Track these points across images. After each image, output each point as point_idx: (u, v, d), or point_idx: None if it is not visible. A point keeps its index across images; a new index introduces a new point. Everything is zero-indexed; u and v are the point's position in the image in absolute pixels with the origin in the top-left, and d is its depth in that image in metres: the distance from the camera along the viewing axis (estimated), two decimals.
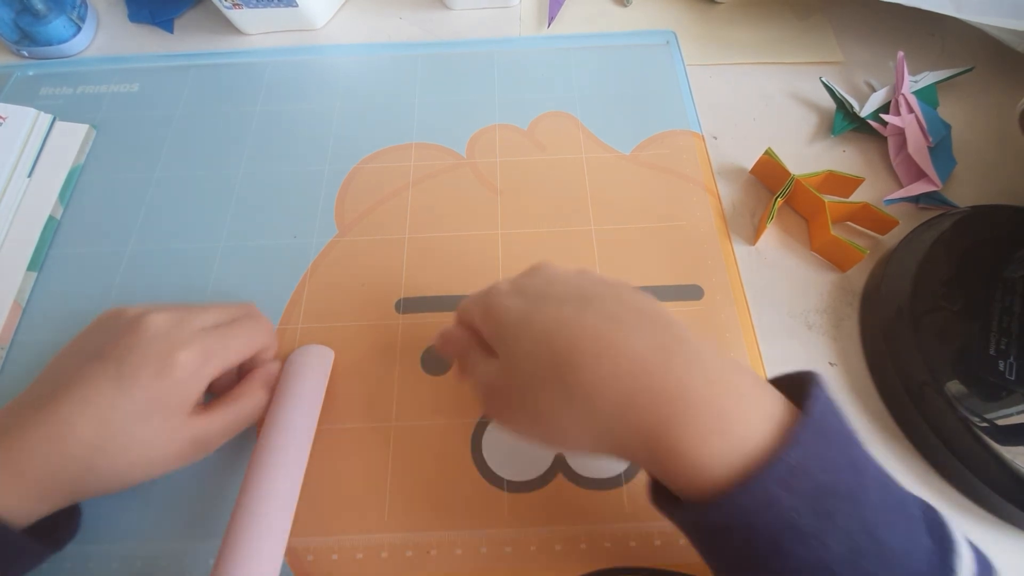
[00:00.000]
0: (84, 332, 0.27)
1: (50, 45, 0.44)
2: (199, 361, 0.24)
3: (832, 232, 0.34)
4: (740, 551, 0.17)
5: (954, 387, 0.29)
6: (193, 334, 0.25)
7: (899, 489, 0.18)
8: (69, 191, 0.38)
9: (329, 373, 0.31)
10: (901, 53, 0.40)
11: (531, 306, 0.21)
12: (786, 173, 0.36)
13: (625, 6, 0.48)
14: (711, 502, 0.17)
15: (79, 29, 0.45)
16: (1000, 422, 0.28)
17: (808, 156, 0.40)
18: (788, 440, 0.16)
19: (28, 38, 0.44)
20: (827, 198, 0.35)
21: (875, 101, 0.40)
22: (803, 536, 0.16)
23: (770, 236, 0.37)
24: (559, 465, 0.30)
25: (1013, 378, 0.29)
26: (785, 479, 0.16)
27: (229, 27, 0.46)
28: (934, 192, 0.37)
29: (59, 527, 0.25)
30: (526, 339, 0.21)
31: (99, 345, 0.25)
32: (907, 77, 0.40)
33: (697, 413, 0.17)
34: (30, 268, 0.35)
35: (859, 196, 0.37)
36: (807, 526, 0.16)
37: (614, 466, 0.29)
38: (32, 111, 0.40)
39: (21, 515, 0.22)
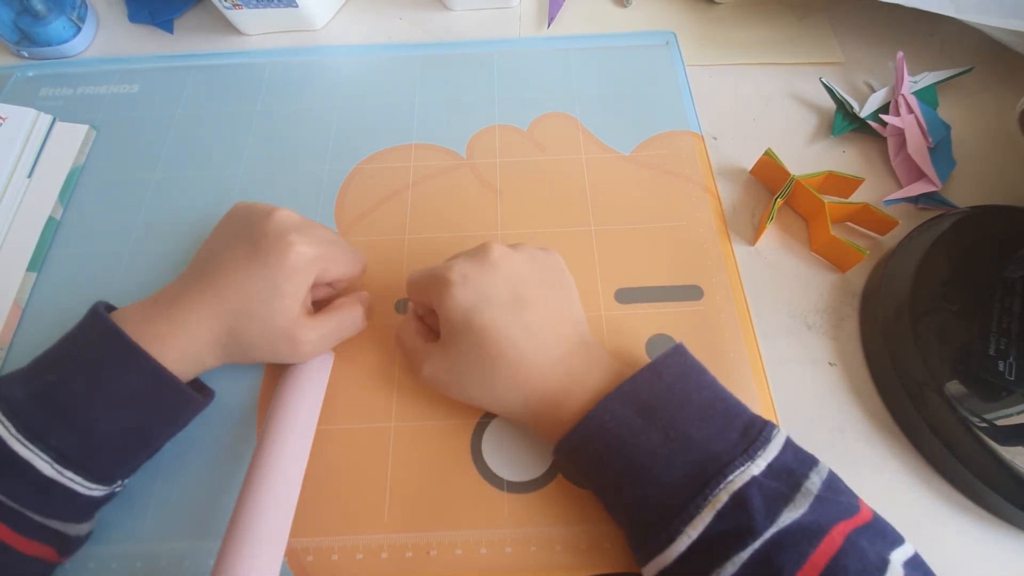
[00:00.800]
0: (221, 224, 0.30)
1: (50, 46, 0.44)
2: (311, 256, 0.28)
3: (832, 232, 0.34)
4: (600, 452, 0.25)
5: (953, 387, 0.29)
6: (312, 236, 0.29)
7: (726, 414, 0.25)
8: (69, 192, 0.38)
9: (329, 374, 0.31)
10: (901, 53, 0.40)
11: (476, 306, 0.27)
12: (786, 173, 0.36)
13: (625, 7, 0.48)
14: (577, 422, 0.25)
15: (79, 30, 0.45)
16: (999, 422, 0.28)
17: (808, 156, 0.40)
18: (625, 379, 0.25)
19: (28, 39, 0.44)
20: (827, 198, 0.35)
21: (875, 101, 0.40)
22: (633, 430, 0.24)
23: (770, 236, 0.37)
24: (559, 465, 0.30)
25: (1012, 378, 0.29)
26: (620, 398, 0.25)
27: (229, 27, 0.46)
28: (934, 192, 0.37)
29: (201, 389, 0.30)
30: (466, 339, 0.27)
31: (239, 230, 0.29)
32: (907, 77, 0.40)
33: (569, 397, 0.26)
34: (30, 268, 0.35)
35: (859, 196, 0.37)
36: (635, 425, 0.24)
37: None
38: (32, 112, 0.40)
39: (192, 369, 0.28)
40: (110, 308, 0.28)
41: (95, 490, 0.25)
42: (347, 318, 0.30)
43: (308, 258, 0.28)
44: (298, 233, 0.28)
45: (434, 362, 0.28)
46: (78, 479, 0.24)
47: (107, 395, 0.25)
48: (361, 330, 0.31)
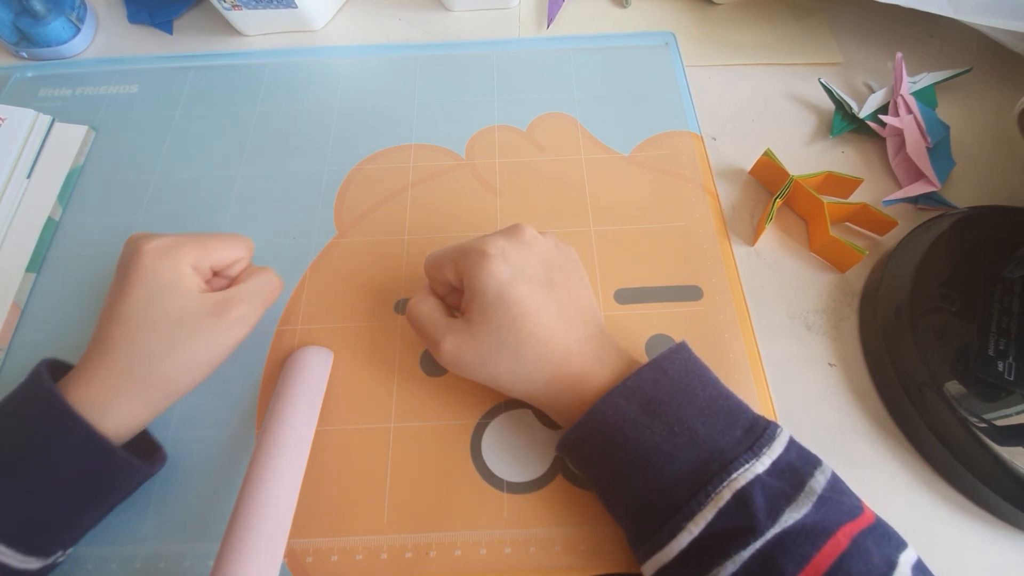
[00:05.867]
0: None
1: (49, 46, 0.44)
2: (166, 246, 0.27)
3: (831, 233, 0.34)
4: (603, 447, 0.25)
5: (953, 387, 0.29)
6: (170, 235, 0.28)
7: (730, 411, 0.25)
8: (68, 192, 0.38)
9: (328, 374, 0.31)
10: (899, 54, 0.40)
11: (512, 280, 0.26)
12: (785, 174, 0.36)
13: (624, 7, 0.48)
14: (580, 418, 0.25)
15: (78, 30, 0.45)
16: (999, 422, 0.28)
17: (807, 157, 0.40)
18: (629, 374, 0.25)
19: (27, 39, 0.44)
20: (826, 199, 0.35)
21: (874, 102, 0.40)
22: (637, 426, 0.24)
23: (769, 237, 0.37)
24: (559, 466, 0.30)
25: (1012, 378, 0.29)
26: (623, 394, 0.25)
27: (228, 28, 0.46)
28: (933, 193, 0.37)
29: (152, 454, 0.28)
30: (498, 313, 0.26)
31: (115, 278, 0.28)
32: (905, 78, 0.40)
33: (587, 380, 0.26)
34: (29, 269, 0.35)
35: (858, 197, 0.37)
36: (639, 420, 0.24)
37: None
38: (31, 112, 0.40)
39: (132, 425, 0.26)
40: (56, 364, 0.27)
41: (29, 562, 0.24)
42: (262, 278, 0.29)
43: (160, 248, 0.27)
44: (149, 238, 0.27)
45: (458, 338, 0.27)
46: (9, 551, 0.23)
47: (38, 462, 0.24)
48: (279, 291, 0.30)
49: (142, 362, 0.26)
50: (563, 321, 0.26)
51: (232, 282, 0.30)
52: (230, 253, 0.29)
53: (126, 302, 0.26)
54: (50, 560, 0.25)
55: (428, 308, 0.29)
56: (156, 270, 0.26)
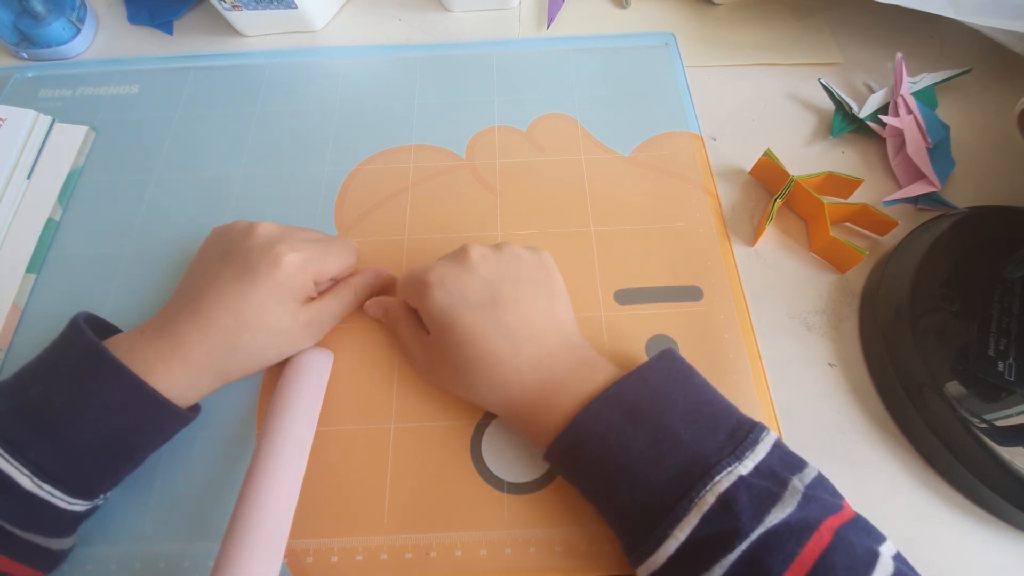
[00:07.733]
0: (204, 246, 0.31)
1: (49, 47, 0.44)
2: (302, 262, 0.29)
3: (831, 233, 0.34)
4: (588, 457, 0.25)
5: (953, 388, 0.29)
6: (298, 241, 0.30)
7: (712, 417, 0.25)
8: (68, 193, 0.38)
9: (328, 375, 0.31)
10: (900, 54, 0.40)
11: (453, 306, 0.27)
12: (785, 174, 0.36)
13: (624, 7, 0.48)
14: (564, 427, 0.25)
15: (78, 31, 0.45)
16: (999, 423, 0.28)
17: (807, 157, 0.40)
18: (610, 384, 0.25)
19: (27, 40, 0.44)
20: (826, 199, 0.35)
21: (874, 102, 0.40)
22: (620, 434, 0.24)
23: (769, 237, 0.37)
24: None
25: (1012, 379, 0.29)
26: (605, 403, 0.25)
27: (228, 29, 0.46)
28: (933, 193, 0.37)
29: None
30: (449, 339, 0.27)
31: (223, 250, 0.29)
32: (906, 78, 0.40)
33: (552, 398, 0.26)
34: (29, 270, 0.35)
35: (858, 197, 0.37)
36: (622, 429, 0.24)
37: None
38: (31, 113, 0.40)
39: (189, 397, 0.28)
40: (91, 319, 0.28)
41: (76, 504, 0.25)
42: (346, 293, 0.31)
43: (298, 264, 0.28)
44: (283, 242, 0.29)
45: (427, 356, 0.29)
46: (57, 493, 0.24)
47: (89, 410, 0.25)
48: (355, 300, 0.32)
49: (238, 355, 0.28)
50: (511, 345, 0.27)
51: (327, 288, 0.32)
52: (342, 265, 0.31)
53: (248, 301, 0.27)
54: (92, 503, 0.26)
55: (403, 325, 0.31)
56: (289, 284, 0.28)
